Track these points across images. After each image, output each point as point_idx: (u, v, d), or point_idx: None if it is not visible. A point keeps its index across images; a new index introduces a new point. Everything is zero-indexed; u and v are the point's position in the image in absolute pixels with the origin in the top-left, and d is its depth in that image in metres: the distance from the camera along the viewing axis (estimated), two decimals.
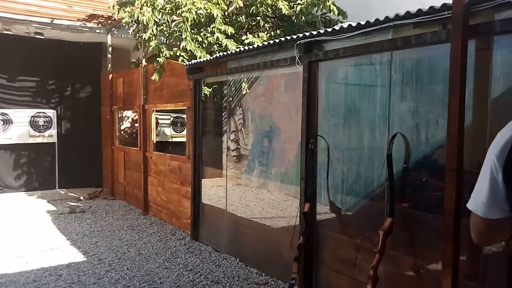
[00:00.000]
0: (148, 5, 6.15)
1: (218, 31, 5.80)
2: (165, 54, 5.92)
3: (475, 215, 1.23)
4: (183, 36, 5.70)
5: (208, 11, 5.75)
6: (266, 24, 6.18)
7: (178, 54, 5.84)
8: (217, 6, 5.82)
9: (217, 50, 5.84)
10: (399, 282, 3.03)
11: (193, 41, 5.77)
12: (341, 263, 3.48)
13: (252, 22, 6.35)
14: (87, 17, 8.13)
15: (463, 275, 2.53)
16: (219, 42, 5.85)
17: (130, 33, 7.34)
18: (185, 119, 7.45)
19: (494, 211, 1.17)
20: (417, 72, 2.92)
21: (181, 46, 5.78)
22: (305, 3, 5.80)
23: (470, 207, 1.25)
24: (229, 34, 5.90)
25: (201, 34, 5.89)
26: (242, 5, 6.03)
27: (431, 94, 2.83)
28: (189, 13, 5.65)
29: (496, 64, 2.41)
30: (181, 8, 5.80)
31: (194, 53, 5.68)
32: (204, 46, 5.87)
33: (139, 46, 6.95)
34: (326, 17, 6.18)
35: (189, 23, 5.70)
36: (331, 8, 5.71)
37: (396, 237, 2.92)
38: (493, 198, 1.16)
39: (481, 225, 1.24)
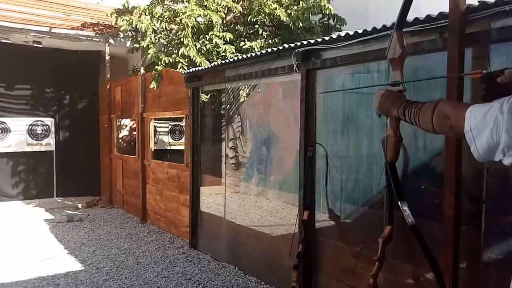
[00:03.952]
0: (147, 14, 6.18)
1: (216, 37, 5.82)
2: (164, 61, 5.93)
3: None
4: (185, 42, 5.71)
5: (208, 17, 5.76)
6: (264, 32, 6.21)
7: (177, 60, 5.84)
8: (217, 13, 5.84)
9: (215, 57, 5.86)
10: None
11: (194, 49, 5.78)
12: (340, 271, 3.46)
13: (250, 31, 6.38)
14: (85, 26, 8.15)
15: (463, 283, 2.52)
16: (217, 50, 5.87)
17: (129, 42, 7.35)
18: (183, 127, 7.46)
19: None
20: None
21: (180, 53, 5.79)
22: (302, 8, 5.82)
23: None
24: (228, 40, 5.92)
25: (200, 41, 5.91)
26: (241, 10, 6.05)
27: (429, 98, 2.83)
28: (189, 19, 5.67)
29: None
30: (180, 16, 5.83)
31: (194, 60, 5.69)
32: (203, 52, 5.88)
33: (134, 50, 6.97)
34: (324, 22, 6.21)
35: (190, 29, 5.71)
36: (328, 9, 5.71)
37: (395, 245, 2.92)
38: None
39: None
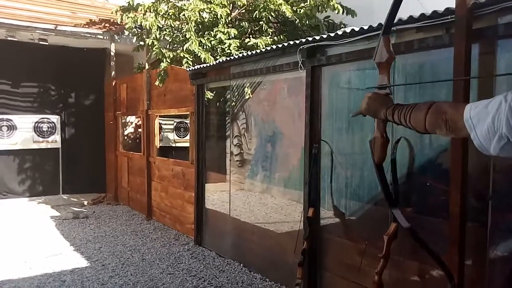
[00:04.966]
0: (151, 11, 6.18)
1: (221, 33, 5.81)
2: (169, 55, 5.92)
3: None
4: (187, 36, 5.70)
5: (213, 12, 5.75)
6: (269, 29, 6.19)
7: (182, 55, 5.83)
8: (221, 7, 5.83)
9: (220, 54, 5.85)
10: (404, 287, 3.01)
11: (197, 43, 5.76)
12: (345, 268, 3.46)
13: (255, 27, 6.36)
14: (90, 23, 8.17)
15: (469, 280, 2.51)
16: (222, 46, 5.85)
17: (134, 40, 7.36)
18: (188, 124, 7.47)
19: None
20: (420, 77, 2.91)
21: (184, 48, 5.78)
22: (309, 5, 5.79)
23: None
24: (233, 36, 5.91)
25: (205, 37, 5.90)
26: (246, 3, 6.00)
27: (434, 98, 2.81)
28: (192, 12, 5.66)
29: (500, 68, 2.41)
30: (184, 11, 5.82)
31: (198, 55, 5.68)
32: (207, 48, 5.87)
33: (140, 49, 6.98)
34: (329, 20, 6.18)
35: (193, 24, 5.69)
36: (336, 6, 5.67)
37: (400, 242, 2.91)
38: None
39: None
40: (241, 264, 4.73)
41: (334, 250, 3.62)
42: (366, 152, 3.35)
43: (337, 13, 5.91)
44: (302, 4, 5.90)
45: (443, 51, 2.62)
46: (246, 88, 4.94)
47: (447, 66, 2.52)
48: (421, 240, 1.75)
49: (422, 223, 2.93)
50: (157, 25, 6.11)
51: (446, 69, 2.55)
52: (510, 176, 2.46)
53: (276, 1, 5.81)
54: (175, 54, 5.90)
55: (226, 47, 5.81)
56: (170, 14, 6.16)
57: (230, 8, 6.17)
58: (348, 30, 3.25)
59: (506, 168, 2.42)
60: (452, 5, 2.44)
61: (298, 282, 3.58)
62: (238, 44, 5.79)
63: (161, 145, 7.60)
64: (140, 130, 8.09)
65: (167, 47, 6.36)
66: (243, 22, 6.32)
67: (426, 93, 2.86)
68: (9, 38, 8.02)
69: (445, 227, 2.58)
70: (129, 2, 6.49)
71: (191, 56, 5.79)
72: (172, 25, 6.27)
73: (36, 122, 8.36)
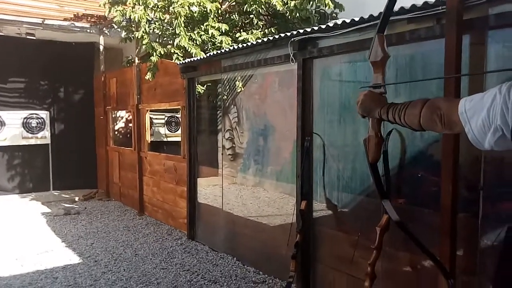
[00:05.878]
0: (140, 4, 6.10)
1: (212, 28, 5.76)
2: (159, 52, 5.87)
3: None
4: (177, 32, 5.64)
5: (202, 5, 5.70)
6: (259, 22, 6.15)
7: (172, 51, 5.78)
8: (211, 2, 5.78)
9: (211, 48, 5.81)
10: (397, 278, 3.04)
11: (187, 38, 5.72)
12: (338, 260, 3.47)
13: (246, 20, 6.32)
14: (78, 17, 8.06)
15: (460, 270, 2.53)
16: (213, 40, 5.81)
17: (123, 33, 7.27)
18: (180, 119, 7.42)
19: None
20: (411, 68, 2.91)
21: (175, 43, 5.73)
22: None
23: None
24: (223, 31, 5.87)
25: (195, 32, 5.85)
26: None
27: (425, 89, 2.82)
28: (182, 7, 5.61)
29: (490, 58, 2.41)
30: (173, 4, 5.76)
31: (189, 50, 5.64)
32: (198, 43, 5.83)
33: (128, 40, 6.89)
34: (321, 11, 6.16)
35: (183, 19, 5.64)
36: (326, 2, 5.69)
37: (393, 234, 2.92)
38: None
39: None
40: (235, 258, 4.73)
41: (327, 242, 3.63)
42: (358, 144, 3.35)
43: (327, 8, 5.92)
44: None
45: (434, 42, 2.62)
46: (237, 82, 4.92)
47: (438, 57, 2.52)
48: (410, 233, 1.75)
49: (414, 215, 2.95)
50: (146, 18, 6.04)
51: (438, 60, 2.55)
52: (501, 166, 2.47)
53: None
54: (165, 50, 5.85)
55: (217, 42, 5.77)
56: (160, 7, 6.09)
57: (220, 1, 6.12)
58: (339, 22, 3.24)
59: (497, 158, 2.44)
60: None
61: (291, 275, 3.59)
62: (230, 42, 5.75)
63: (152, 139, 7.54)
64: (130, 125, 8.03)
65: (157, 40, 6.30)
66: (234, 15, 6.28)
67: (417, 84, 2.86)
68: None
69: (436, 218, 2.59)
70: None
71: (181, 51, 5.74)
72: (162, 18, 6.20)
73: (24, 118, 8.26)
